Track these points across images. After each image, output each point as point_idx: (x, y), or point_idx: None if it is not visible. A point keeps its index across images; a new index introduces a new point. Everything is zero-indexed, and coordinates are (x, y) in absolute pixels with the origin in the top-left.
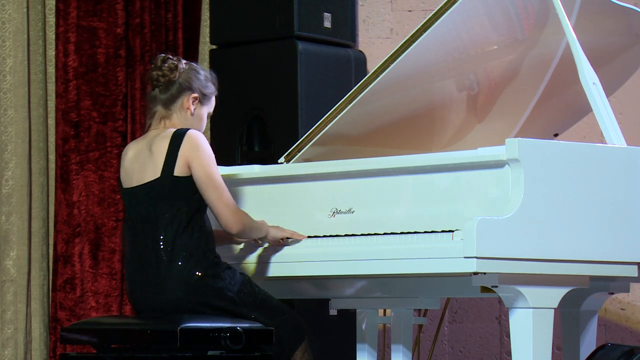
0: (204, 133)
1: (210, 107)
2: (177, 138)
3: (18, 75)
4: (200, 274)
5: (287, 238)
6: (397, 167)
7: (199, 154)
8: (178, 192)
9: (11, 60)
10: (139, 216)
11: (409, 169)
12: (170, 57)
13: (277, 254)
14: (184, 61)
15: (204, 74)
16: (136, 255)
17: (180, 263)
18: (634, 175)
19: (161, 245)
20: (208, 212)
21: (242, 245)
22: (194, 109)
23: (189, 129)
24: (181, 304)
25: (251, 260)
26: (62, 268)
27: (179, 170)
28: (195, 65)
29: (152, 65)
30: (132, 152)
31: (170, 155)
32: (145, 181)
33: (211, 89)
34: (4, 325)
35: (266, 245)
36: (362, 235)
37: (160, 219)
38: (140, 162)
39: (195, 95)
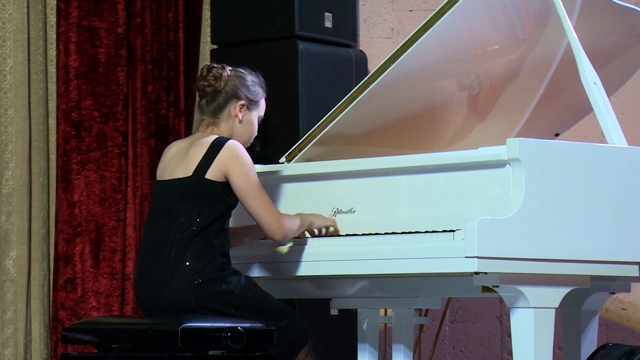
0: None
1: (259, 111)
2: (216, 146)
3: (18, 75)
4: (205, 277)
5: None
6: (398, 167)
7: (237, 163)
8: (204, 195)
9: (11, 60)
10: (161, 210)
11: (410, 168)
12: (215, 65)
13: (279, 255)
14: (228, 68)
15: (250, 79)
16: (149, 248)
17: (187, 264)
18: (635, 175)
19: (174, 242)
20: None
21: (244, 246)
22: (242, 116)
23: (229, 138)
24: (184, 305)
25: (253, 260)
26: (63, 268)
27: (211, 174)
28: (241, 70)
29: (198, 76)
30: (174, 149)
31: (206, 159)
32: (176, 177)
33: (259, 93)
34: (4, 325)
35: (267, 243)
36: (363, 235)
37: (180, 217)
38: (177, 160)
39: (243, 102)
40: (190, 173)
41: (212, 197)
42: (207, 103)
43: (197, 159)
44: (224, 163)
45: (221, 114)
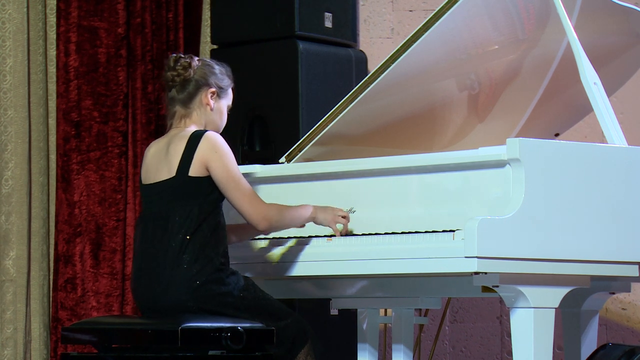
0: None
1: (228, 99)
2: (195, 139)
3: (18, 75)
4: (203, 280)
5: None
6: (398, 167)
7: (216, 154)
8: (192, 193)
9: (11, 60)
10: (152, 214)
11: (410, 168)
12: (182, 55)
13: (278, 254)
14: (196, 58)
15: (218, 68)
16: (144, 252)
17: (185, 266)
18: (635, 175)
19: (170, 245)
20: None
21: (244, 245)
22: (213, 104)
23: (206, 130)
24: (183, 307)
25: (253, 260)
26: (63, 268)
27: (194, 171)
28: (208, 60)
29: (165, 67)
30: (154, 150)
31: (187, 156)
32: (161, 179)
33: (227, 81)
34: (4, 325)
35: (267, 243)
36: (362, 235)
37: (172, 218)
38: (158, 160)
39: (213, 89)
40: (173, 173)
41: (199, 194)
42: (178, 92)
43: (177, 157)
44: (203, 156)
45: (192, 102)
